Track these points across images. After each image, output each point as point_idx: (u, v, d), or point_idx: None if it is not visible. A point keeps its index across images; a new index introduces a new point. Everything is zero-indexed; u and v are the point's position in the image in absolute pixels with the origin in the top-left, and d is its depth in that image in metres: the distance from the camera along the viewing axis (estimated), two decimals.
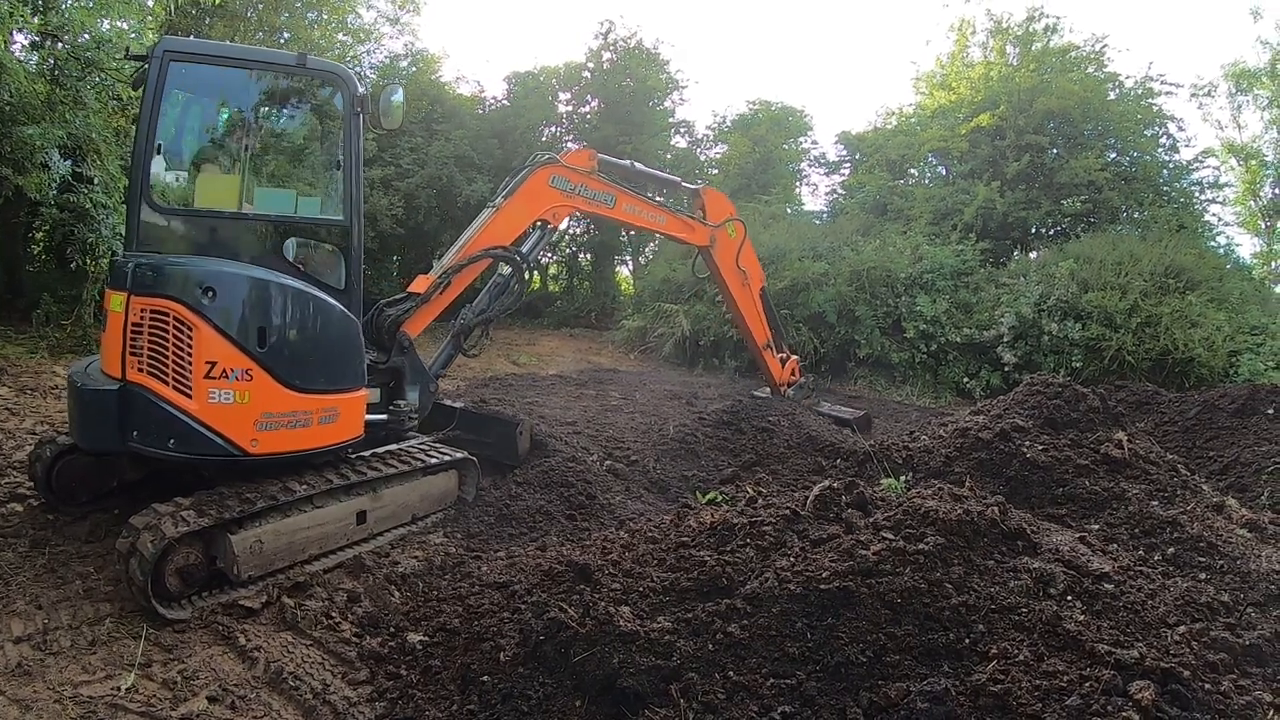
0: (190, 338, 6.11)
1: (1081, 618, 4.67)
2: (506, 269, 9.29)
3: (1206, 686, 4.24)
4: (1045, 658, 4.25)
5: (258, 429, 6.38)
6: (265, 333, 6.40)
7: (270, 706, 4.98)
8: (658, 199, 11.35)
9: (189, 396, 6.14)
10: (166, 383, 6.13)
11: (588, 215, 10.31)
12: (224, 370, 6.21)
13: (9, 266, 18.24)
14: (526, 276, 9.47)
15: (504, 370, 18.49)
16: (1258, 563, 6.69)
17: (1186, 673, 4.22)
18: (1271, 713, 4.14)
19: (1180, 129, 27.13)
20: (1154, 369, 17.40)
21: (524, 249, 9.36)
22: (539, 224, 9.51)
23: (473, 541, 7.73)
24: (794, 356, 13.63)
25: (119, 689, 4.96)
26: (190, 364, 6.12)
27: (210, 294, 6.17)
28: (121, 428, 6.24)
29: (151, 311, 6.12)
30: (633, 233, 33.46)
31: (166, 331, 6.11)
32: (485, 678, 4.82)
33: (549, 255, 34.94)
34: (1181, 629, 4.91)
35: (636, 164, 11.12)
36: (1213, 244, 24.90)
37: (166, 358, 6.12)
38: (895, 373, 19.84)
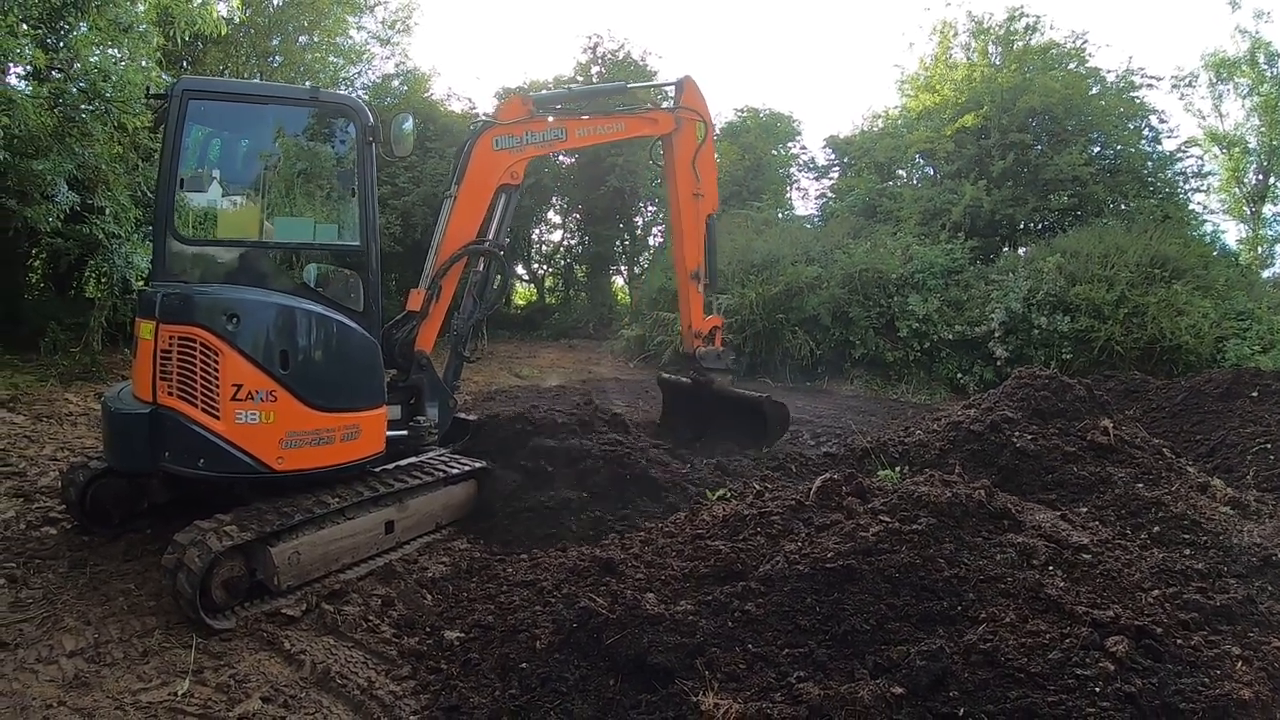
0: (216, 362, 6.31)
1: (1062, 584, 5.06)
2: (481, 264, 9.12)
3: (1178, 641, 4.60)
4: (1029, 619, 4.64)
5: (283, 447, 6.56)
6: (288, 355, 6.61)
7: (321, 704, 5.16)
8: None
9: (217, 418, 6.33)
10: (195, 405, 6.34)
11: (546, 155, 9.94)
12: (249, 392, 6.41)
13: (9, 296, 18.46)
14: (505, 265, 9.35)
15: (507, 383, 18.62)
16: (1239, 537, 6.98)
17: (1159, 629, 4.59)
18: (1239, 664, 4.49)
19: (1162, 120, 27.36)
20: (1142, 358, 17.69)
21: (492, 231, 9.13)
22: (502, 190, 9.17)
23: (495, 546, 7.91)
24: (718, 318, 12.66)
25: (176, 694, 5.15)
26: (217, 387, 6.33)
27: (234, 320, 6.37)
28: (153, 449, 6.45)
29: (179, 338, 6.33)
30: (627, 241, 33.71)
31: (194, 357, 6.32)
32: (524, 665, 5.08)
33: (544, 267, 35.24)
34: (1155, 592, 5.29)
35: (572, 86, 10.91)
36: (1198, 232, 25.09)
37: (195, 382, 6.33)
38: (890, 371, 20.08)
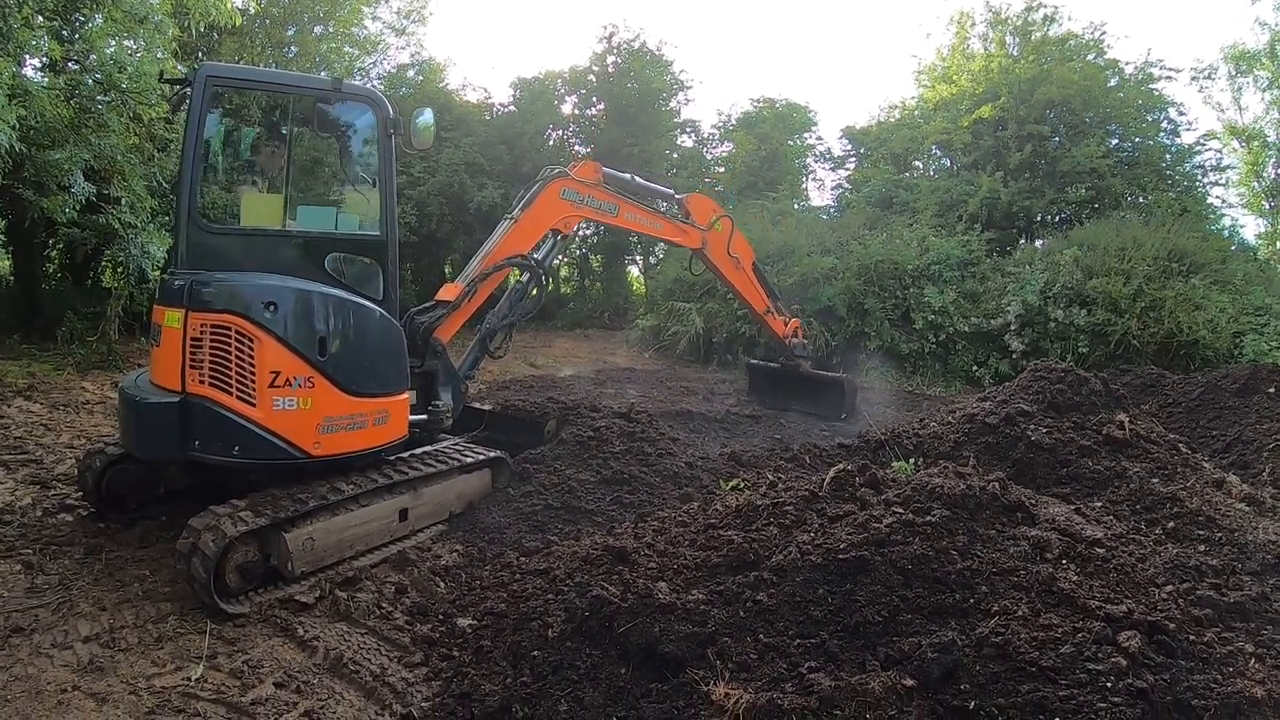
0: (253, 349, 6.36)
1: (1075, 578, 5.04)
2: (525, 276, 9.73)
3: (1191, 638, 4.58)
4: (1041, 613, 4.62)
5: (320, 432, 6.67)
6: (325, 342, 6.68)
7: (333, 690, 5.19)
8: (662, 204, 12.30)
9: (253, 405, 6.37)
10: (230, 393, 6.36)
11: (594, 221, 11.11)
12: (287, 379, 6.49)
13: (26, 285, 18.63)
14: (544, 282, 9.87)
15: (522, 373, 18.61)
16: (1255, 534, 6.94)
17: (1172, 625, 4.57)
18: (1252, 661, 4.48)
19: (1181, 113, 27.24)
20: (1159, 352, 17.52)
21: (539, 256, 9.80)
22: (552, 233, 10.00)
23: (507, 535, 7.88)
24: (796, 319, 14.93)
25: (189, 679, 5.19)
26: (254, 374, 6.38)
27: (272, 308, 6.41)
28: (183, 437, 6.45)
29: (212, 326, 6.34)
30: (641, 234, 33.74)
31: (229, 345, 6.33)
32: (536, 653, 5.11)
33: (561, 259, 35.30)
34: (1169, 588, 5.28)
35: (636, 177, 11.83)
36: (1216, 226, 24.93)
37: (229, 370, 6.35)
38: (906, 363, 19.95)
